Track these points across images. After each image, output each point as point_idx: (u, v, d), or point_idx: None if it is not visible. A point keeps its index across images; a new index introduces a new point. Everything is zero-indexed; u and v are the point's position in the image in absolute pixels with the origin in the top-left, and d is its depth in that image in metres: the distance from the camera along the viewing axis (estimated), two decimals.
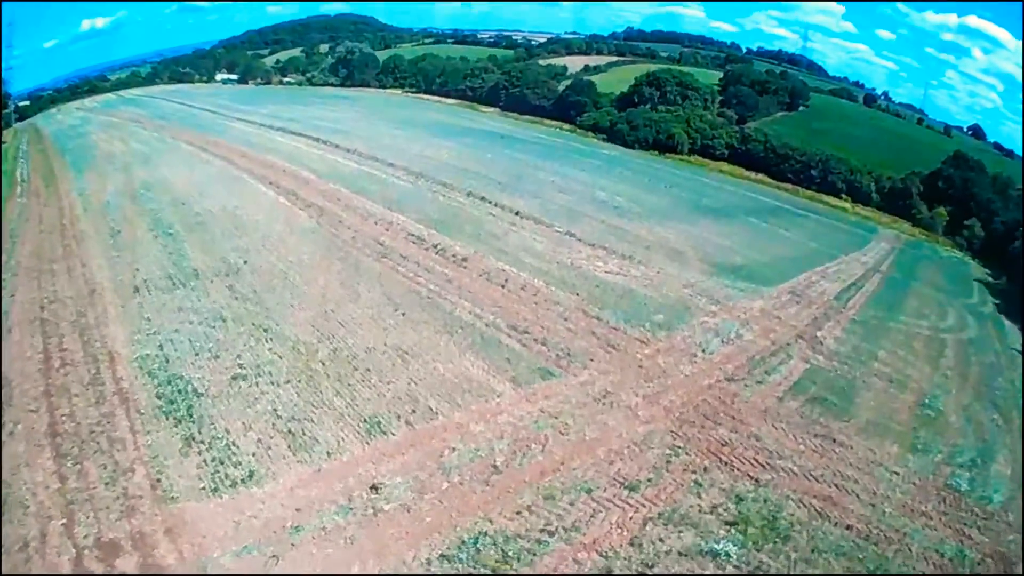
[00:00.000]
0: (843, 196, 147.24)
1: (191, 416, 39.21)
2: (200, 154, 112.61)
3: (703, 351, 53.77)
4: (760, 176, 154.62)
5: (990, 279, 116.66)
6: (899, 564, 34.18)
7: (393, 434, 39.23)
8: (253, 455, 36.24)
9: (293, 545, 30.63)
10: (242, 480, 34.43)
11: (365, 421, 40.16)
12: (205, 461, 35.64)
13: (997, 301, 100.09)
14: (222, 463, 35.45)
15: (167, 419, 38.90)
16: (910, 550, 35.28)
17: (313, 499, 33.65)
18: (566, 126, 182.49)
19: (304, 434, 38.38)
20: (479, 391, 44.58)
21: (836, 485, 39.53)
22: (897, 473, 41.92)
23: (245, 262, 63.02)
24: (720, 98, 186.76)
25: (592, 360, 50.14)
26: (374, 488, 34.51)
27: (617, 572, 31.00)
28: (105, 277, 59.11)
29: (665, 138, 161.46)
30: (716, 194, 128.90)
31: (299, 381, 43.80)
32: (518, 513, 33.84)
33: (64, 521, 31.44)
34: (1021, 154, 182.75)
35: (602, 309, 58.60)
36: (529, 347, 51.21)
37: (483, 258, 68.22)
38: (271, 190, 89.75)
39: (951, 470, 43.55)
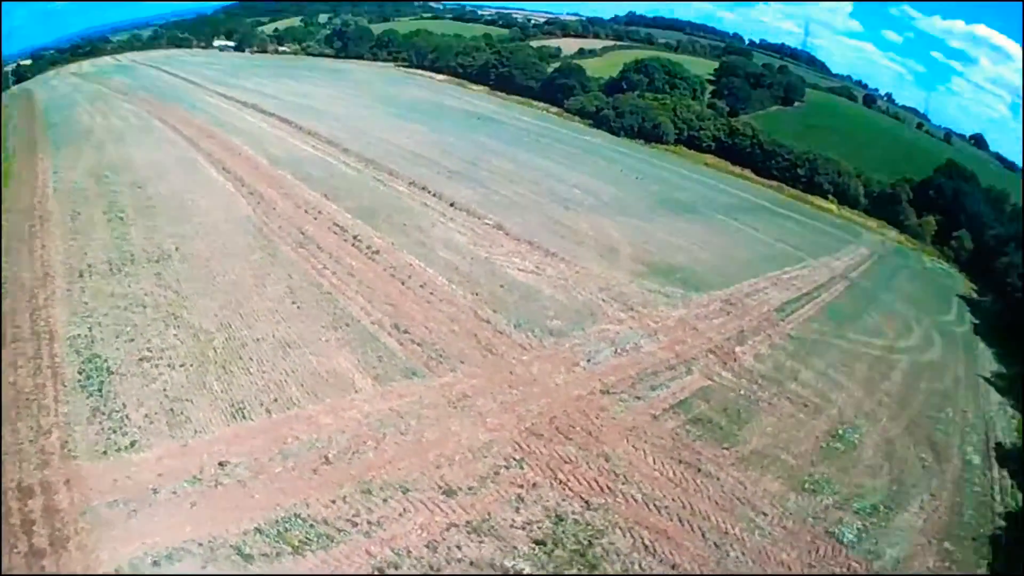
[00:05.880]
0: (830, 198, 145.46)
1: (101, 391, 44.68)
2: (169, 133, 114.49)
3: (588, 361, 52.86)
4: (745, 171, 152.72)
5: (974, 295, 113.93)
6: None
7: (252, 419, 42.78)
8: (139, 428, 41.17)
9: (150, 505, 35.45)
10: (126, 447, 39.55)
11: (232, 406, 43.85)
12: (103, 429, 40.97)
13: (977, 321, 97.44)
14: (114, 432, 40.65)
15: (83, 392, 44.67)
16: None
17: (174, 468, 38.06)
18: (553, 109, 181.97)
19: (182, 413, 43.01)
20: (341, 386, 46.65)
21: (680, 519, 38.71)
22: (766, 514, 40.86)
23: (177, 249, 65.81)
24: (712, 88, 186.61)
25: (463, 363, 50.12)
26: (221, 465, 38.81)
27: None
28: (59, 260, 63.92)
29: (651, 127, 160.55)
30: (691, 188, 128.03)
31: (191, 365, 47.85)
32: (333, 502, 36.61)
33: None
34: (1021, 166, 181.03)
35: (496, 311, 58.14)
36: (405, 346, 51.73)
37: (396, 251, 68.24)
38: (222, 175, 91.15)
39: (840, 516, 42.31)
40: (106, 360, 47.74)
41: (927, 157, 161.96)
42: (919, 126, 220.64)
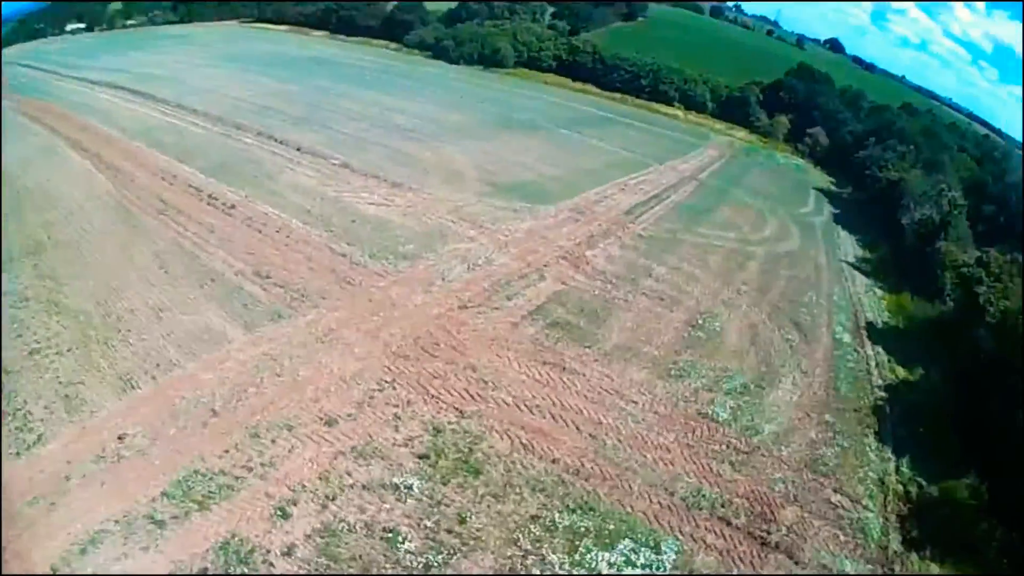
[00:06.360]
0: (676, 104, 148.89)
1: (1, 393, 41.53)
2: (31, 125, 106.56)
3: (443, 279, 54.10)
4: (587, 87, 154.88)
5: (832, 187, 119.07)
6: (613, 500, 35.17)
7: (140, 388, 41.59)
8: (41, 420, 38.99)
9: (67, 492, 34.05)
10: (33, 443, 37.37)
11: (120, 379, 42.49)
12: (11, 430, 38.42)
13: (837, 210, 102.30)
14: (21, 430, 38.28)
15: None
16: (629, 486, 36.17)
17: (79, 452, 36.61)
18: (393, 45, 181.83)
19: (77, 397, 40.92)
20: (214, 340, 46.08)
21: (553, 416, 40.31)
22: (636, 402, 42.72)
23: (48, 237, 63.57)
24: (552, 10, 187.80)
25: (324, 299, 50.58)
26: (120, 438, 37.79)
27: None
28: None
29: (490, 52, 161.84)
30: (532, 106, 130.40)
31: (77, 348, 45.85)
32: (226, 451, 36.34)
33: None
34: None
35: (350, 245, 58.53)
36: (268, 291, 51.71)
37: (250, 202, 67.65)
38: (79, 155, 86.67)
39: (711, 397, 44.49)
40: (2, 361, 46.20)
41: (777, 62, 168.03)
42: (769, 33, 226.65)
